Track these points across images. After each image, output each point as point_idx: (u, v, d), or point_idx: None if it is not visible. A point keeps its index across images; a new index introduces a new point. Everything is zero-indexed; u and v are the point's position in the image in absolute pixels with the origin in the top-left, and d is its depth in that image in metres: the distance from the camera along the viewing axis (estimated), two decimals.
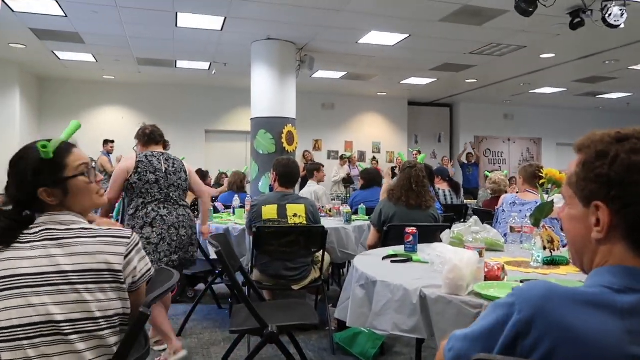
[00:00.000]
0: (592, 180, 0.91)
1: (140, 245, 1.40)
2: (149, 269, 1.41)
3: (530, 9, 5.16)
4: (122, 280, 1.32)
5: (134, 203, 3.12)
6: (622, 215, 0.87)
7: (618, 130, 0.91)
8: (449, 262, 1.68)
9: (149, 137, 3.28)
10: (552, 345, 0.81)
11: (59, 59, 8.70)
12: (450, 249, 1.84)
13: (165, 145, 3.43)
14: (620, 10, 5.33)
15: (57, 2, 5.81)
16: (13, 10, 6.10)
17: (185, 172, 3.30)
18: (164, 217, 3.11)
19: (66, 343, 1.23)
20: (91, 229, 1.35)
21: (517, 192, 4.00)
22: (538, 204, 3.45)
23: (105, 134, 10.06)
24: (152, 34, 7.15)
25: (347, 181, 10.78)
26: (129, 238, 1.37)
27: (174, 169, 3.23)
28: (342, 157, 11.52)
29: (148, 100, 11.08)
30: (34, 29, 6.95)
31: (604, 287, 0.85)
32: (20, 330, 1.21)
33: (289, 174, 3.50)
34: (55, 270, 1.26)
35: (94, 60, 8.82)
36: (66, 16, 6.32)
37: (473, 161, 11.93)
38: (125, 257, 1.33)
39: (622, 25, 5.42)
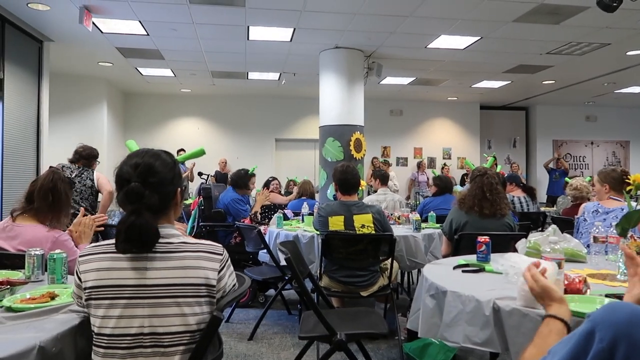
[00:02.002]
0: None
1: (229, 260, 1.45)
2: (235, 284, 1.46)
3: (615, 4, 4.82)
4: (214, 295, 1.36)
5: None
6: None
7: None
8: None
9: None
10: None
11: (142, 74, 9.30)
12: (525, 259, 1.76)
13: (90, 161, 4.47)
14: None
15: (140, 22, 6.23)
16: (102, 32, 6.61)
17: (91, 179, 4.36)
18: None
19: (163, 355, 1.29)
20: (189, 243, 1.39)
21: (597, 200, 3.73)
22: (624, 211, 3.23)
23: (182, 143, 10.59)
24: (226, 47, 7.46)
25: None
26: (221, 254, 1.41)
27: (79, 178, 4.32)
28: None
29: (221, 111, 11.56)
30: (119, 48, 7.49)
31: None
32: (119, 340, 1.28)
33: (348, 181, 3.45)
34: (157, 283, 1.31)
35: (173, 75, 9.34)
36: (148, 35, 6.76)
37: (562, 167, 11.25)
38: (219, 272, 1.38)
39: None
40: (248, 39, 6.95)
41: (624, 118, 12.81)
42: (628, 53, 7.50)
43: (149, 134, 11.27)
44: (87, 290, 1.32)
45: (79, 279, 1.35)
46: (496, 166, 9.28)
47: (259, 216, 4.93)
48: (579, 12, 5.69)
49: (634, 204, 2.47)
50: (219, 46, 7.41)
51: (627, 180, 3.31)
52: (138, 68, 8.84)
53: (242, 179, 5.15)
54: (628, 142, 13.09)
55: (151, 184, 1.35)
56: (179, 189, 1.45)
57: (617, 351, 0.77)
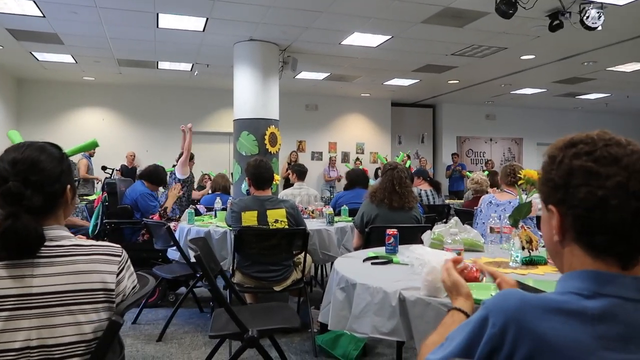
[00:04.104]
0: (544, 184, 0.93)
1: (129, 261, 1.36)
2: (135, 285, 1.37)
3: (510, 11, 5.22)
4: (113, 299, 1.27)
5: None
6: (569, 218, 0.88)
7: (573, 136, 0.92)
8: (427, 264, 1.68)
9: None
10: (527, 356, 0.82)
11: (37, 60, 8.55)
12: (429, 251, 1.84)
13: None
14: (598, 12, 5.42)
15: (34, 2, 5.71)
16: None
17: None
18: None
19: None
20: (83, 245, 1.27)
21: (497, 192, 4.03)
22: (511, 203, 3.52)
23: (86, 136, 9.88)
24: (133, 34, 7.07)
25: None
26: (120, 255, 1.31)
27: None
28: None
29: (129, 101, 10.96)
30: (10, 30, 6.81)
31: (573, 293, 0.86)
32: (1, 356, 1.15)
33: (261, 176, 3.42)
34: (45, 291, 1.19)
35: (74, 62, 8.69)
36: (44, 17, 6.21)
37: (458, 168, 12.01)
38: (118, 274, 1.28)
39: (600, 28, 5.51)
40: (158, 26, 6.63)
41: (519, 117, 13.93)
42: (522, 57, 8.15)
43: (48, 124, 10.41)
44: None
45: None
46: (408, 160, 9.68)
47: (168, 212, 4.74)
48: (481, 17, 6.07)
49: (524, 196, 2.68)
50: (125, 33, 7.00)
51: (512, 174, 3.61)
52: (33, 52, 8.11)
53: (160, 176, 4.93)
54: (522, 139, 14.26)
55: (34, 182, 1.21)
56: (69, 185, 1.32)
57: (507, 335, 0.83)
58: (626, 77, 9.51)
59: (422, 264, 1.77)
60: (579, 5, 5.49)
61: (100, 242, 1.33)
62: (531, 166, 13.49)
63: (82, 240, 1.31)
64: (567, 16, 5.60)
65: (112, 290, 1.26)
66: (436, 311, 1.66)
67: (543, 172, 0.94)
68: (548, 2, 5.44)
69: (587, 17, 5.43)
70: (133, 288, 1.36)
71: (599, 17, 5.43)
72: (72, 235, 1.31)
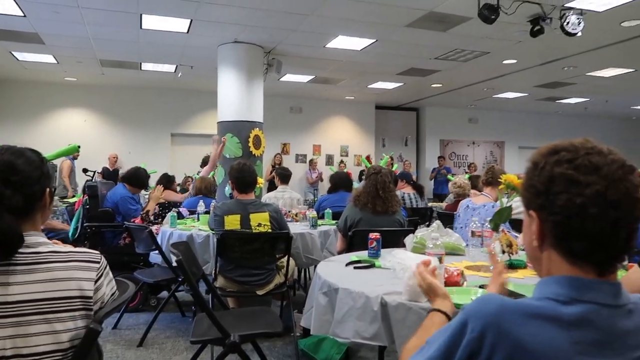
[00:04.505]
0: (526, 189, 0.95)
1: (108, 267, 1.34)
2: (114, 292, 1.36)
3: (493, 17, 5.28)
4: (91, 307, 1.25)
5: None
6: (549, 224, 0.89)
7: (556, 143, 0.93)
8: (409, 269, 1.69)
9: None
10: None
11: (17, 59, 8.40)
12: (410, 255, 1.85)
13: None
14: (578, 19, 5.52)
15: (15, 1, 5.61)
16: None
17: None
18: None
19: None
20: (60, 252, 1.25)
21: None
22: (486, 207, 3.56)
23: (68, 137, 9.77)
24: (116, 35, 6.99)
25: None
26: (98, 262, 1.29)
27: None
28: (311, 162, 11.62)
29: (112, 102, 10.83)
30: None
31: (550, 299, 0.87)
32: None
33: (245, 179, 3.41)
34: (21, 299, 1.16)
35: (55, 62, 8.56)
36: (25, 16, 6.11)
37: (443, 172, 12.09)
38: (96, 281, 1.26)
39: (580, 33, 5.61)
40: (141, 27, 6.57)
41: (500, 120, 14.10)
42: (504, 62, 8.26)
43: (29, 125, 10.23)
44: None
45: None
46: (392, 165, 9.73)
47: (151, 215, 4.69)
48: (464, 21, 6.14)
49: (505, 200, 2.71)
50: (108, 33, 6.91)
51: (494, 174, 3.65)
52: (13, 52, 7.96)
53: (141, 178, 4.87)
54: (503, 142, 14.43)
55: (13, 183, 1.21)
56: (48, 189, 1.31)
57: (485, 339, 0.84)
58: (605, 82, 9.69)
59: (403, 268, 1.78)
60: (560, 11, 5.59)
61: (78, 249, 1.31)
62: (513, 169, 13.65)
63: (59, 246, 1.29)
64: (548, 22, 5.69)
65: (90, 297, 1.24)
66: (418, 315, 1.66)
67: (526, 177, 0.95)
68: (529, 8, 5.52)
69: (568, 23, 5.52)
70: (112, 295, 1.35)
71: (579, 23, 5.52)
72: (48, 241, 1.29)
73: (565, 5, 5.51)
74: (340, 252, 3.56)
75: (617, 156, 0.88)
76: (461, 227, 3.59)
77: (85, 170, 8.13)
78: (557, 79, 9.58)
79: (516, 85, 10.39)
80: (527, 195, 0.94)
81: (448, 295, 1.34)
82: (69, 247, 1.31)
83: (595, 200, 0.84)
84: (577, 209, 0.85)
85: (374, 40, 7.07)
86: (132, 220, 4.44)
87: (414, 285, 1.68)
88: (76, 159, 9.13)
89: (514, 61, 8.19)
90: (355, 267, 2.32)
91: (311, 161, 11.95)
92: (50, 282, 1.20)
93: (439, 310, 1.28)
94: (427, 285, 1.38)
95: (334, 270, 2.29)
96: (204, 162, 8.37)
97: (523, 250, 2.53)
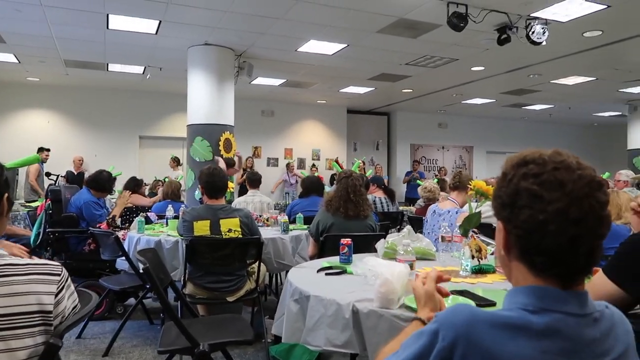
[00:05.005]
0: (495, 199, 0.96)
1: (69, 279, 1.28)
2: (76, 305, 1.30)
3: (461, 24, 5.39)
4: (51, 322, 1.19)
5: None
6: (513, 237, 0.91)
7: (527, 154, 0.94)
8: (380, 276, 1.69)
9: None
10: None
11: None
12: (382, 262, 1.85)
13: None
14: (543, 28, 5.69)
15: None
16: None
17: None
18: None
19: None
20: (18, 265, 1.19)
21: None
22: (450, 212, 3.61)
23: (30, 139, 9.48)
24: (81, 35, 6.80)
25: None
26: (59, 274, 1.23)
27: None
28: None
29: (77, 103, 10.53)
30: None
31: (520, 309, 0.88)
32: None
33: (215, 184, 3.34)
34: None
35: (17, 61, 8.26)
36: None
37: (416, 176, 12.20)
38: (57, 295, 1.20)
39: (544, 43, 5.78)
40: (108, 27, 6.42)
41: (469, 126, 14.38)
42: (473, 68, 8.42)
43: None
44: None
45: None
46: (364, 170, 9.74)
47: (117, 220, 4.57)
48: (433, 28, 6.23)
49: (474, 205, 2.74)
50: (73, 33, 6.73)
51: (461, 179, 3.72)
52: None
53: (102, 182, 4.73)
54: (472, 147, 14.72)
55: None
56: (7, 194, 1.25)
57: (456, 349, 0.84)
58: (568, 90, 10.01)
59: (375, 275, 1.78)
60: (525, 21, 5.74)
61: (37, 260, 1.25)
62: (481, 173, 13.98)
63: (16, 259, 1.23)
64: (515, 31, 5.83)
65: (50, 312, 1.18)
66: (389, 323, 1.66)
67: (496, 187, 0.97)
68: (497, 17, 5.65)
69: (533, 32, 5.68)
70: (74, 308, 1.29)
71: (544, 32, 5.69)
72: (5, 253, 1.22)
73: (531, 15, 5.67)
74: (312, 257, 3.55)
75: (585, 171, 0.88)
76: (429, 233, 3.63)
77: (48, 174, 7.87)
78: (522, 86, 9.83)
79: (484, 92, 10.62)
80: (496, 205, 0.96)
81: (437, 310, 1.33)
82: (27, 260, 1.24)
83: (556, 218, 0.85)
84: (538, 225, 0.86)
85: (346, 45, 7.11)
86: (97, 226, 4.32)
87: (385, 292, 1.68)
88: (45, 161, 8.85)
89: (482, 68, 8.37)
90: (326, 274, 2.31)
91: (288, 165, 11.89)
92: (7, 297, 1.13)
93: (423, 321, 1.26)
94: (426, 291, 1.32)
95: (306, 276, 2.27)
96: (174, 161, 9.49)
97: (492, 254, 2.57)
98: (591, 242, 0.87)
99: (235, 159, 7.03)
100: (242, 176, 10.30)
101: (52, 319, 1.19)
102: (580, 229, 0.85)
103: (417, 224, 4.78)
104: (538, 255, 0.88)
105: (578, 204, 0.85)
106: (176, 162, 9.90)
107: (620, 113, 12.40)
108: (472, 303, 1.69)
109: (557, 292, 0.88)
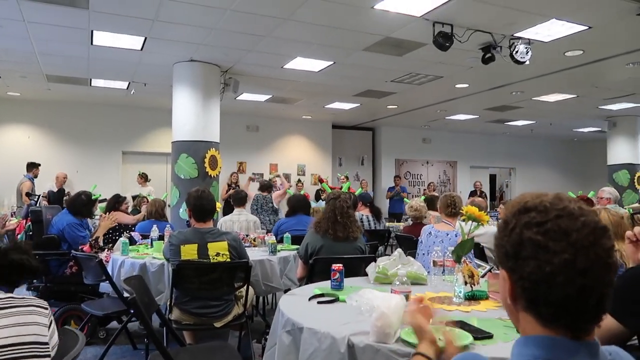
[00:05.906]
0: (497, 248, 0.94)
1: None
2: (57, 342, 1.27)
3: (447, 44, 5.44)
4: (49, 354, 1.18)
5: None
6: (520, 288, 0.88)
7: (527, 200, 0.92)
8: (376, 310, 1.66)
9: None
10: None
11: None
12: (377, 294, 1.82)
13: None
14: (526, 48, 5.78)
15: None
16: None
17: None
18: None
19: None
20: (17, 297, 1.18)
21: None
22: (449, 235, 3.60)
23: (10, 154, 9.29)
24: (64, 51, 6.71)
25: None
26: (47, 309, 1.24)
27: None
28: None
29: (59, 119, 10.34)
30: None
31: None
32: None
33: (203, 207, 3.27)
34: None
35: None
36: None
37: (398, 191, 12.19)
38: (49, 327, 1.21)
39: (528, 62, 5.87)
40: (92, 43, 6.34)
41: (453, 141, 14.51)
42: (457, 86, 8.52)
43: None
44: None
45: None
46: (346, 181, 9.69)
47: (100, 241, 4.45)
48: (419, 47, 6.29)
49: (466, 228, 2.73)
50: (56, 49, 6.63)
51: (456, 206, 3.71)
52: None
53: (79, 207, 4.58)
54: (456, 162, 14.84)
55: None
56: None
57: None
58: (550, 107, 10.19)
59: (370, 308, 1.75)
60: (509, 41, 5.83)
61: (29, 295, 1.24)
62: (465, 188, 14.05)
63: (9, 293, 1.21)
64: (499, 50, 5.92)
65: (46, 343, 1.18)
66: (386, 357, 1.63)
67: (498, 235, 0.95)
68: (481, 37, 5.73)
69: (517, 51, 5.77)
70: (56, 344, 1.26)
71: (527, 52, 5.78)
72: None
73: (514, 35, 5.76)
74: (300, 279, 3.50)
75: (588, 218, 0.87)
76: (424, 254, 3.61)
77: (29, 195, 7.67)
78: (505, 102, 9.97)
79: (467, 108, 10.74)
80: (499, 255, 0.93)
81: (435, 341, 1.31)
82: (21, 294, 1.23)
83: (563, 269, 0.83)
84: (545, 276, 0.84)
85: (332, 62, 7.13)
86: (80, 248, 4.21)
87: (382, 326, 1.65)
88: (36, 177, 8.69)
89: (466, 85, 8.47)
90: (318, 302, 2.26)
91: (270, 180, 11.77)
92: (16, 326, 1.13)
93: (423, 355, 1.26)
94: (416, 326, 1.34)
95: (297, 305, 2.23)
96: (142, 178, 9.74)
97: (483, 276, 2.56)
98: (600, 290, 0.85)
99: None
100: (227, 192, 10.23)
101: (49, 349, 1.16)
102: (588, 279, 0.83)
103: (406, 243, 4.76)
104: (546, 307, 0.86)
105: (584, 254, 0.84)
106: (144, 178, 9.78)
107: (600, 129, 12.65)
108: (469, 336, 1.67)
109: (567, 343, 0.86)
